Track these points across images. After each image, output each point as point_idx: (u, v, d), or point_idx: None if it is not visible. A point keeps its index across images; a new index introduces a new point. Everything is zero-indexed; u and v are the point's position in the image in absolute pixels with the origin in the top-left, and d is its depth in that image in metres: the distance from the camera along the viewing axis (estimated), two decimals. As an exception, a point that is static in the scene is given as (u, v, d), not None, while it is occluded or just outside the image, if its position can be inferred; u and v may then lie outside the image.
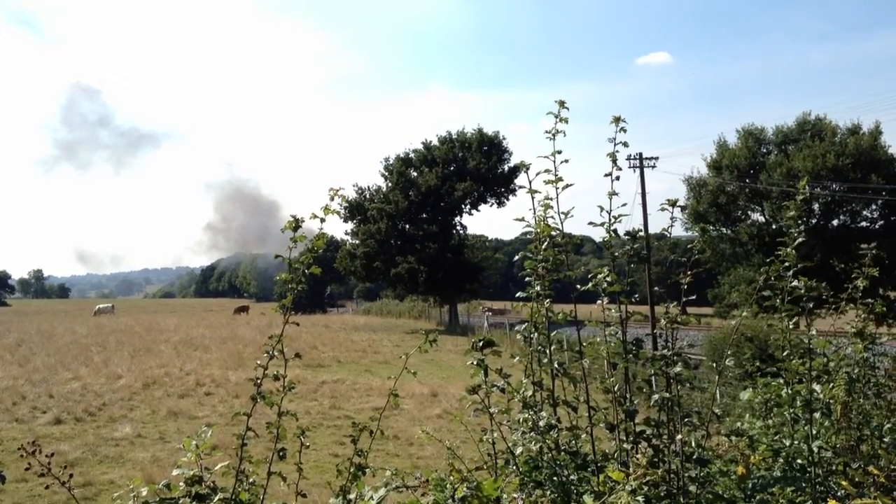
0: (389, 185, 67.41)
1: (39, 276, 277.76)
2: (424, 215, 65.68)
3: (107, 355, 36.26)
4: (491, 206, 68.17)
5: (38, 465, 3.34)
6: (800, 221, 4.39)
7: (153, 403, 23.96)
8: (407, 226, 66.35)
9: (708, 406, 4.25)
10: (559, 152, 4.40)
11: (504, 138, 67.81)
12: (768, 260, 4.36)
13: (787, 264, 4.26)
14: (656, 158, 46.74)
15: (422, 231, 64.70)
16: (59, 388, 26.16)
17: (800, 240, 4.23)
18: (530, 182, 4.45)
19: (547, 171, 4.42)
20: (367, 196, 68.03)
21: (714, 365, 4.49)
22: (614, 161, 4.44)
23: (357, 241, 67.50)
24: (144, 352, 38.23)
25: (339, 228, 71.77)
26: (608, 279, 4.13)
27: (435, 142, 68.22)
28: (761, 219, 57.94)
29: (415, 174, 67.10)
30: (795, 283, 4.16)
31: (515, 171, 65.34)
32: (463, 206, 66.88)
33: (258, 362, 3.72)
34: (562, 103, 4.41)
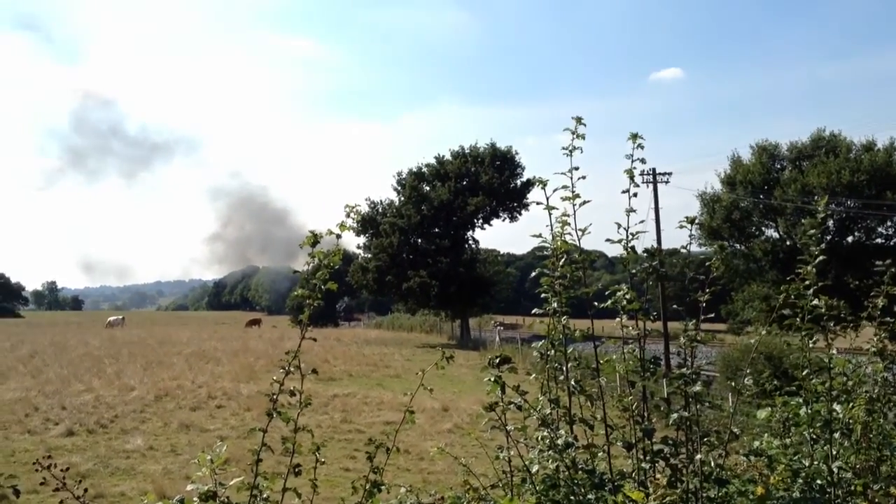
0: (402, 199, 67.56)
1: (53, 287, 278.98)
2: (437, 229, 65.79)
3: (119, 367, 36.34)
4: (503, 220, 68.27)
5: (53, 480, 3.33)
6: (820, 239, 4.36)
7: (165, 416, 23.97)
8: (419, 240, 66.45)
9: (725, 424, 4.21)
10: (576, 168, 4.38)
11: (517, 153, 67.99)
12: (788, 278, 4.32)
13: (807, 283, 4.22)
14: (669, 174, 46.69)
15: (434, 245, 64.77)
16: (72, 399, 26.20)
17: (820, 258, 4.20)
18: (547, 199, 4.43)
19: (564, 187, 4.40)
20: (380, 210, 68.19)
21: (731, 383, 4.45)
22: (632, 178, 4.42)
23: (369, 255, 67.66)
24: (157, 364, 38.29)
25: (351, 242, 71.76)
26: (627, 297, 4.11)
27: (447, 156, 68.40)
28: (776, 235, 57.79)
29: (427, 188, 67.26)
30: (816, 301, 4.13)
31: (528, 185, 65.39)
32: (475, 221, 66.96)
33: (274, 378, 3.70)
34: (579, 119, 4.40)
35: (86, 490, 3.41)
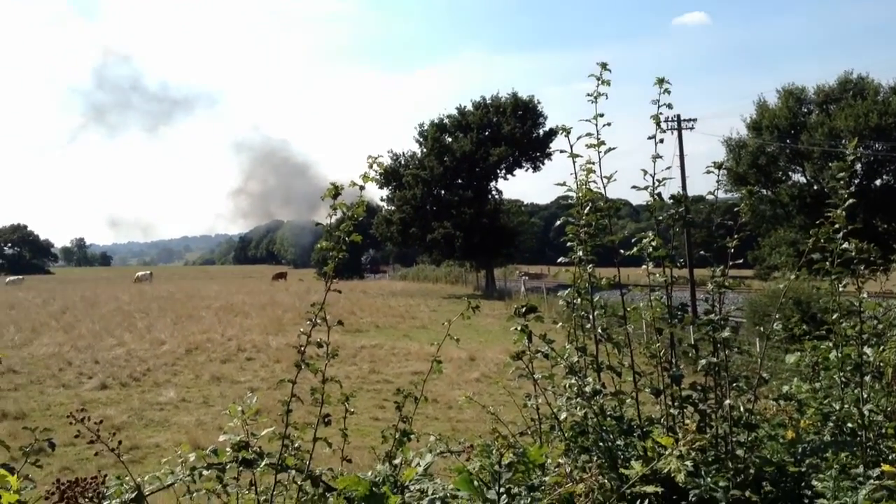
0: (424, 151, 67.32)
1: (81, 244, 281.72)
2: (459, 181, 65.59)
3: (150, 322, 36.81)
4: (526, 170, 67.96)
5: (88, 432, 3.38)
6: (849, 182, 4.29)
7: (196, 368, 24.33)
8: (442, 191, 66.30)
9: (753, 370, 4.19)
10: (601, 115, 4.32)
11: (539, 102, 67.40)
12: (817, 222, 4.26)
13: (836, 226, 4.16)
14: (694, 120, 46.19)
15: (457, 196, 64.62)
16: (104, 354, 26.64)
17: (850, 201, 4.13)
18: (571, 146, 4.38)
19: (588, 134, 4.34)
20: (402, 162, 68.02)
21: (760, 328, 4.42)
22: (658, 123, 4.36)
23: (393, 208, 67.67)
24: (186, 318, 38.75)
25: (375, 195, 71.83)
26: (653, 244, 4.07)
27: (469, 107, 67.89)
28: (802, 179, 57.12)
29: (449, 140, 66.92)
30: (846, 245, 4.07)
31: (551, 135, 64.93)
32: (498, 171, 66.68)
33: (301, 330, 3.72)
34: (604, 65, 4.32)
35: (120, 442, 3.46)
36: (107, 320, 37.56)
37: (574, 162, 4.36)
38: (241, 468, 3.66)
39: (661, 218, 4.25)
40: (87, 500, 3.17)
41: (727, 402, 3.83)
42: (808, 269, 4.29)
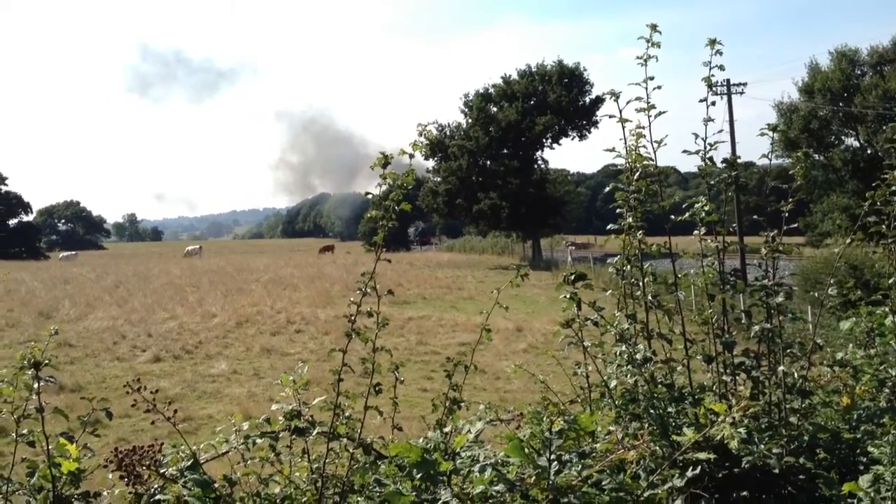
0: (469, 121, 67.02)
1: (133, 219, 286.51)
2: (505, 151, 65.25)
3: (201, 295, 37.36)
4: (572, 139, 67.37)
5: (144, 402, 3.45)
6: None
7: (247, 341, 24.67)
8: (488, 162, 66.07)
9: (807, 336, 4.13)
10: (651, 78, 4.25)
11: (585, 70, 66.61)
12: (873, 185, 4.16)
13: (893, 188, 4.06)
14: (744, 84, 45.34)
15: (503, 167, 64.35)
16: (157, 327, 27.13)
17: (907, 162, 4.03)
18: (620, 111, 4.32)
19: (637, 98, 4.28)
20: (448, 133, 67.84)
21: (814, 294, 4.34)
22: (710, 86, 4.28)
23: (439, 179, 67.61)
24: (236, 291, 39.25)
25: (421, 166, 71.83)
26: (706, 209, 4.01)
27: (514, 76, 67.38)
28: (856, 143, 55.88)
29: (495, 109, 66.53)
30: (904, 207, 3.98)
31: (597, 102, 64.26)
32: (544, 141, 66.20)
33: (351, 299, 3.74)
34: (654, 27, 4.24)
35: (175, 411, 3.52)
36: (159, 294, 38.20)
37: (623, 127, 4.30)
38: (293, 437, 3.71)
39: (712, 182, 4.18)
40: (144, 467, 3.24)
41: (781, 368, 3.78)
42: (863, 232, 4.20)
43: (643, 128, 4.26)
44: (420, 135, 3.80)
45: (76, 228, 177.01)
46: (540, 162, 68.03)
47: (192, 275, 51.84)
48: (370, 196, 3.81)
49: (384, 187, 3.75)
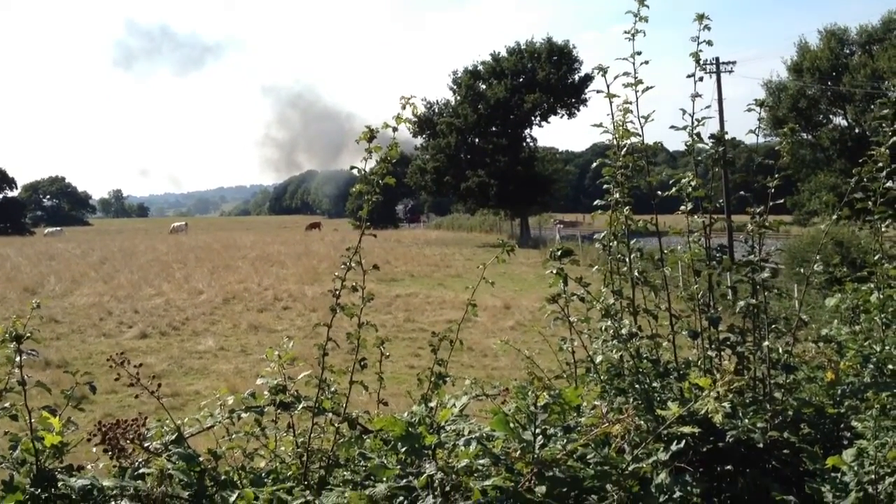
0: (458, 98, 66.74)
1: (119, 195, 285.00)
2: (494, 128, 65.07)
3: (187, 272, 37.25)
4: (561, 117, 67.20)
5: (127, 376, 3.44)
6: (893, 118, 4.17)
7: (234, 318, 24.63)
8: (476, 139, 65.90)
9: (792, 313, 4.14)
10: (639, 53, 4.23)
11: (574, 47, 66.38)
12: (860, 161, 4.16)
13: (879, 164, 4.06)
14: (733, 63, 45.24)
15: (491, 144, 64.20)
16: (144, 303, 27.04)
17: (894, 139, 4.03)
18: (608, 86, 4.30)
19: (625, 73, 4.25)
20: (436, 110, 67.60)
21: (800, 270, 4.35)
22: (698, 61, 4.27)
23: (427, 156, 67.42)
24: (223, 268, 39.14)
25: (409, 143, 71.59)
26: (692, 184, 4.00)
27: (503, 53, 67.09)
28: (844, 123, 56.00)
29: (483, 87, 66.24)
30: (889, 183, 3.98)
31: (586, 80, 64.06)
32: (532, 118, 66.03)
33: (336, 274, 3.72)
34: (641, 0, 4.22)
35: (159, 385, 3.51)
36: (145, 270, 38.06)
37: (611, 102, 4.28)
38: (278, 411, 3.71)
39: (699, 158, 4.17)
40: (128, 441, 3.23)
41: (766, 344, 3.79)
42: (850, 209, 4.20)
43: (630, 103, 4.24)
44: (403, 108, 3.77)
45: (61, 204, 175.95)
46: (528, 140, 67.93)
47: (178, 251, 51.64)
48: (356, 171, 3.78)
49: (370, 161, 3.72)
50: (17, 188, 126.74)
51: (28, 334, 3.06)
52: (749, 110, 4.24)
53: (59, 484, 2.85)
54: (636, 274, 4.10)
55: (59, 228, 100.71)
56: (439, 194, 74.30)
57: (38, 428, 3.02)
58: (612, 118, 4.29)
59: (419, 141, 68.82)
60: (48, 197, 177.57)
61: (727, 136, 4.23)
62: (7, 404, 3.06)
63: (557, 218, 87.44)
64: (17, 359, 3.04)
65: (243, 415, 3.63)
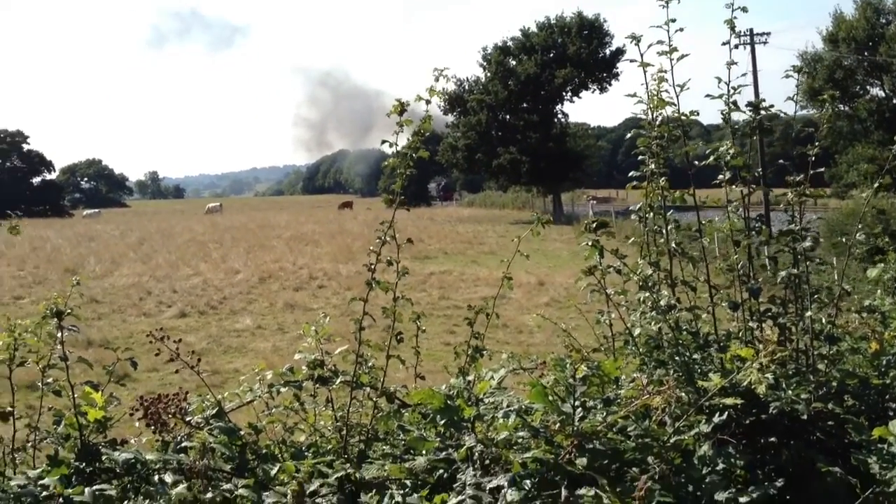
0: (488, 75, 66.40)
1: (155, 177, 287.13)
2: (525, 105, 64.70)
3: (224, 252, 37.59)
4: (592, 92, 66.65)
5: (167, 351, 3.47)
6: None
7: (270, 296, 24.83)
8: (507, 116, 65.60)
9: (834, 283, 4.07)
10: (673, 20, 4.14)
11: (605, 21, 65.61)
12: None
13: (923, 132, 3.97)
14: (768, 34, 44.56)
15: (522, 121, 63.89)
16: (182, 283, 27.36)
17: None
18: (642, 55, 4.21)
19: (659, 42, 4.17)
20: (466, 88, 67.31)
21: (842, 240, 4.27)
22: (732, 28, 4.18)
23: (458, 134, 67.23)
24: (259, 247, 39.46)
25: (440, 121, 71.30)
26: (730, 152, 3.93)
27: (533, 28, 66.54)
28: (881, 94, 54.92)
29: (513, 63, 65.79)
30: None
31: (618, 54, 63.39)
32: (564, 94, 65.55)
33: (371, 248, 3.72)
34: (676, -34, 4.13)
35: (199, 360, 3.54)
36: (182, 251, 38.46)
37: (645, 71, 4.20)
38: (317, 386, 3.72)
39: (736, 126, 4.09)
40: (170, 415, 3.27)
41: (808, 314, 3.72)
42: (891, 176, 4.11)
43: (665, 72, 4.16)
44: (436, 80, 3.73)
45: (99, 186, 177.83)
46: (560, 115, 67.52)
47: (214, 231, 52.13)
48: (387, 145, 3.75)
49: (401, 135, 3.70)
50: (55, 171, 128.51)
51: (69, 311, 3.09)
52: (787, 76, 4.15)
53: (103, 458, 2.89)
54: (673, 245, 4.04)
55: (97, 210, 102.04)
56: (471, 172, 74.15)
57: (81, 403, 3.07)
58: (647, 87, 4.22)
59: (450, 118, 68.63)
60: (86, 179, 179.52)
61: (763, 103, 4.14)
62: (50, 380, 3.11)
63: (590, 194, 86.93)
64: (59, 335, 3.08)
65: (282, 389, 3.66)
